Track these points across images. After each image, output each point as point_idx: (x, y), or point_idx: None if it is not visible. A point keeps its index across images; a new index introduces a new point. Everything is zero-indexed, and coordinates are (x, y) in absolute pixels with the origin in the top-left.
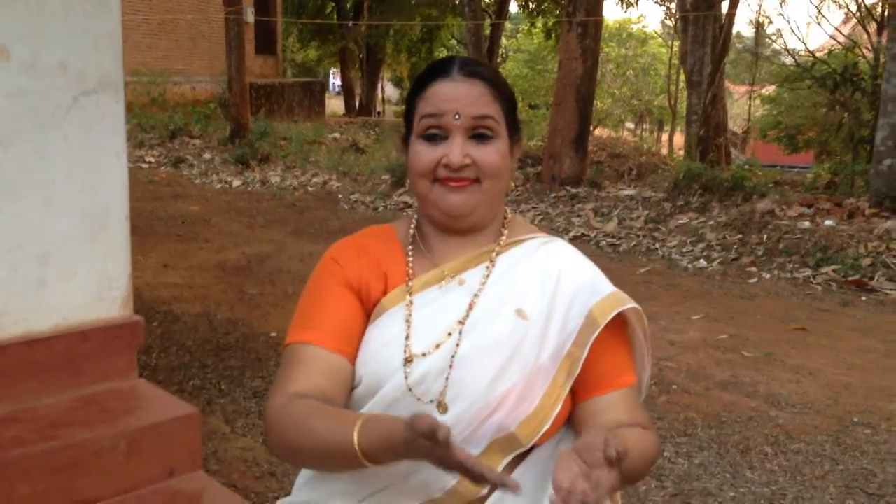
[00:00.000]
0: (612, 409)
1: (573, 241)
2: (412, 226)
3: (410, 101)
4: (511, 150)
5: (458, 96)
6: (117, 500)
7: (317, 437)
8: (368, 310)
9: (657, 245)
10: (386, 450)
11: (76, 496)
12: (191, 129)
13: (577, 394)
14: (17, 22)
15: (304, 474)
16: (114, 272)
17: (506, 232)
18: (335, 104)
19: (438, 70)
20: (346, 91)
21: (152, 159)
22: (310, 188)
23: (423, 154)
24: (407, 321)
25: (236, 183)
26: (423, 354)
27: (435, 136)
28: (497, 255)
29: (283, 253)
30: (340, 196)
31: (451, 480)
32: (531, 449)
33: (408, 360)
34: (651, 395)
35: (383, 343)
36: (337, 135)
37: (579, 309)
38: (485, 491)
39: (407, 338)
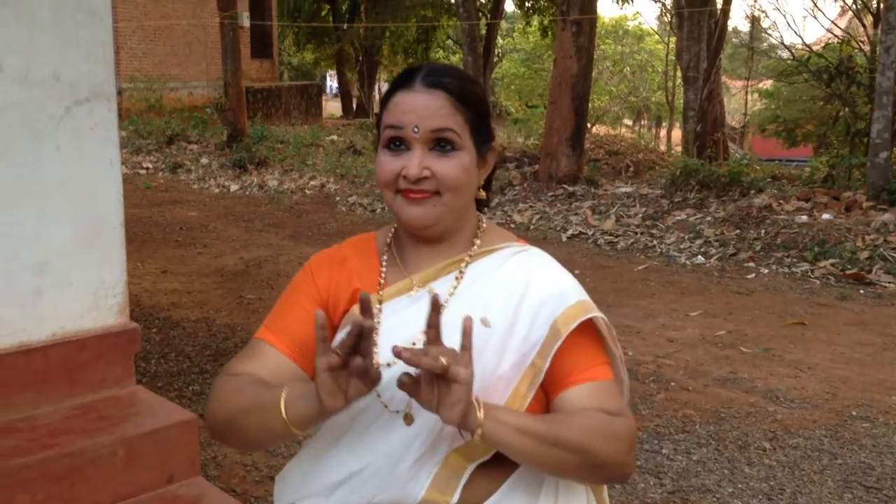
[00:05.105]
0: (580, 401)
1: (571, 239)
2: (390, 234)
3: (380, 110)
4: (481, 159)
5: (416, 108)
6: None
7: (246, 398)
8: (335, 320)
9: (655, 242)
10: (307, 395)
11: None
12: (188, 134)
13: (549, 393)
14: (9, 34)
15: (285, 476)
16: (109, 280)
17: (478, 241)
18: (332, 107)
19: (403, 80)
20: (343, 93)
21: (150, 165)
22: (307, 191)
23: (385, 164)
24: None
25: (234, 187)
26: (388, 364)
27: (398, 147)
28: (467, 265)
29: (281, 257)
30: (338, 198)
31: (420, 492)
32: (516, 465)
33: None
34: (649, 393)
35: None
36: (334, 137)
37: (544, 319)
38: (454, 500)
39: (374, 346)
